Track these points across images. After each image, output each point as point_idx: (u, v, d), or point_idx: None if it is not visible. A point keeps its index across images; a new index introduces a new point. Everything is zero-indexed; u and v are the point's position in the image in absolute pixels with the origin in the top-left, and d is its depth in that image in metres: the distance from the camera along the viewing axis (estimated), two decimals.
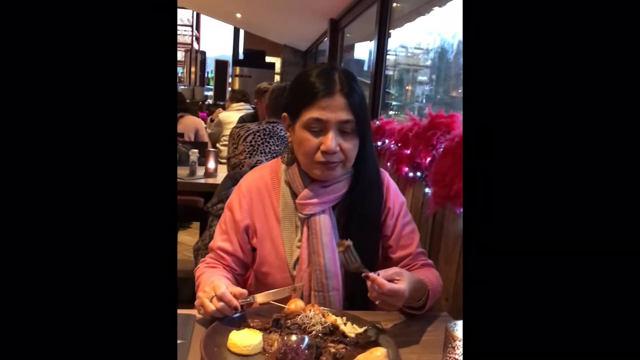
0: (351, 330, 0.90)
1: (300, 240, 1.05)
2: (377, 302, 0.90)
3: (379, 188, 1.09)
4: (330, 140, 0.97)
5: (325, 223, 1.04)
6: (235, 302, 0.89)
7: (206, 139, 3.86)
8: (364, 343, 0.87)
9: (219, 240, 1.11)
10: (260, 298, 0.96)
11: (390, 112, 3.62)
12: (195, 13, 10.18)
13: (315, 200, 1.04)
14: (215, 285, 0.91)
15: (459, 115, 1.58)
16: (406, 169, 1.85)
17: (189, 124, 3.80)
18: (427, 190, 1.67)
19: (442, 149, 1.43)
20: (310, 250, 1.03)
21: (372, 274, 0.87)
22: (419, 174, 1.78)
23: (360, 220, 1.06)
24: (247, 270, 1.15)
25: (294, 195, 1.07)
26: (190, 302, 1.08)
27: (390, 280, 0.88)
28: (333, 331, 0.89)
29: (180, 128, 3.69)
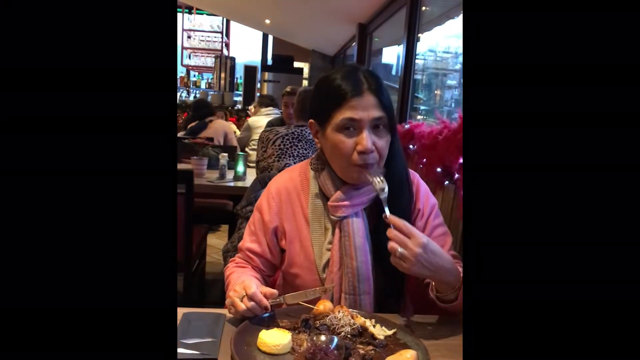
0: (380, 332, 0.89)
1: (330, 243, 1.04)
2: (395, 253, 0.86)
3: (408, 187, 1.08)
4: (366, 139, 0.96)
5: (358, 226, 1.02)
6: (266, 302, 0.90)
7: (235, 142, 3.92)
8: (393, 345, 0.86)
9: (247, 242, 1.12)
10: (290, 299, 0.96)
11: (419, 117, 3.59)
12: (225, 20, 10.35)
13: (347, 203, 1.02)
14: (246, 284, 0.92)
15: None
16: (436, 171, 1.83)
17: (218, 128, 3.87)
18: (456, 192, 1.64)
19: None
20: (343, 252, 1.02)
21: (389, 216, 0.88)
22: (449, 176, 1.76)
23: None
24: (275, 271, 1.16)
25: (324, 197, 1.07)
26: (220, 302, 1.09)
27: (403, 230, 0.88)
28: (362, 333, 0.89)
29: (209, 132, 3.76)
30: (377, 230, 1.04)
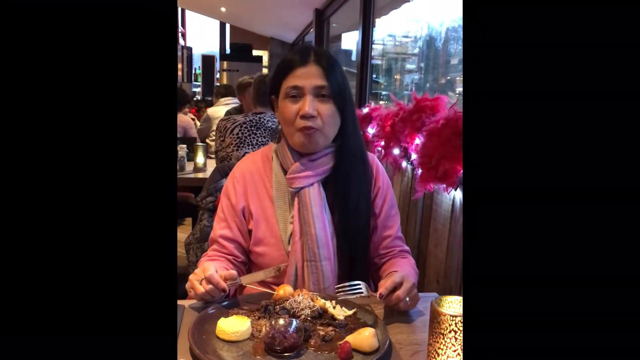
0: (340, 312, 0.90)
1: (293, 216, 1.07)
2: (403, 302, 0.92)
3: (363, 163, 1.12)
4: (307, 104, 1.02)
5: (314, 194, 1.07)
6: (223, 284, 0.90)
7: (194, 133, 3.84)
8: (353, 325, 0.87)
9: (218, 230, 1.12)
10: (245, 279, 0.97)
11: (381, 102, 3.62)
12: (180, 9, 10.08)
13: (304, 174, 1.07)
14: (204, 267, 0.93)
15: (444, 98, 1.58)
16: (394, 153, 1.85)
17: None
18: (415, 173, 1.67)
19: (427, 132, 1.43)
20: (302, 222, 1.06)
21: (382, 291, 0.90)
22: (406, 158, 1.79)
23: (346, 194, 1.09)
24: (248, 256, 1.16)
25: (285, 172, 1.10)
26: (182, 297, 1.08)
27: (395, 288, 0.92)
28: (322, 314, 0.89)
29: None
30: (335, 203, 1.09)
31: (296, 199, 1.07)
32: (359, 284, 0.95)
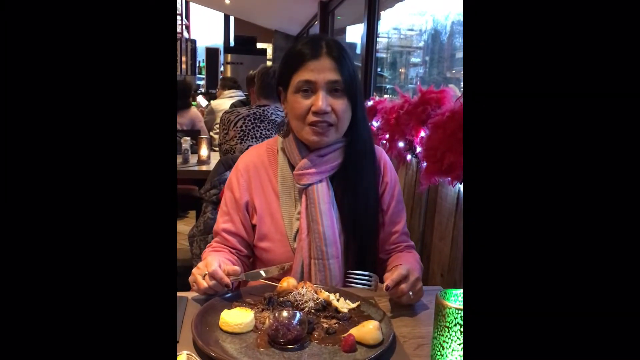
0: (344, 305, 0.90)
1: (299, 212, 1.06)
2: (407, 297, 0.91)
3: (372, 157, 1.10)
4: (321, 99, 0.99)
5: (323, 191, 1.05)
6: (227, 280, 0.89)
7: (202, 126, 3.83)
8: (357, 318, 0.87)
9: (221, 223, 1.11)
10: (250, 276, 0.96)
11: (386, 96, 3.61)
12: (184, 1, 10.05)
13: (312, 170, 1.05)
14: (208, 262, 0.92)
15: (449, 90, 1.57)
16: (399, 146, 1.84)
17: (185, 116, 3.77)
18: (419, 166, 1.66)
19: (432, 124, 1.42)
20: (310, 219, 1.04)
21: (389, 283, 0.89)
22: (411, 151, 1.78)
23: (355, 191, 1.07)
24: (252, 250, 1.15)
25: (292, 168, 1.08)
26: (185, 289, 1.08)
27: (400, 281, 0.90)
28: (326, 307, 0.89)
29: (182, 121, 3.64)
30: (344, 200, 1.07)
31: (304, 195, 1.05)
32: (371, 276, 0.95)
